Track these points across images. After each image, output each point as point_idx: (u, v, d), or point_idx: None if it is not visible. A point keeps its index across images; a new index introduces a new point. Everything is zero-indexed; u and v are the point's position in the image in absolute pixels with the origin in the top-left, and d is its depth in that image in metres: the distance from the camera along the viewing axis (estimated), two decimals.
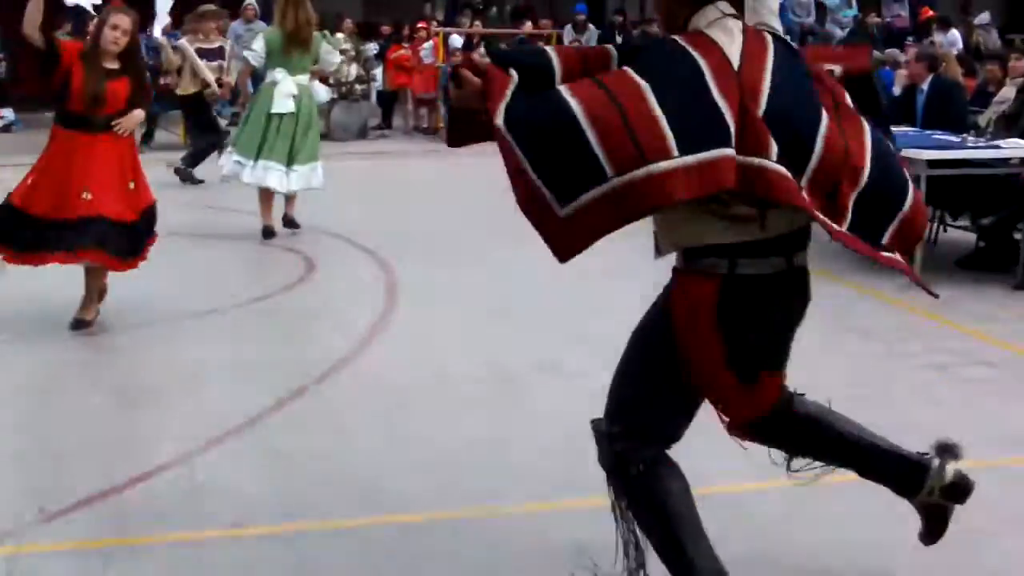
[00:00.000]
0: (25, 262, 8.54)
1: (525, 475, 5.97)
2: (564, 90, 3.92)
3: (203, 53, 16.64)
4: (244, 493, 5.73)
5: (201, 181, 15.95)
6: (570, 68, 4.27)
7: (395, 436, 6.55)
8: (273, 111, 12.03)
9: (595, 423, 4.59)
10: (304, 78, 12.30)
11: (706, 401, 4.38)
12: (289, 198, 12.45)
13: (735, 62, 3.98)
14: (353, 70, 22.48)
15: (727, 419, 4.47)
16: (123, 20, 8.49)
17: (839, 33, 25.68)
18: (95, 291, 8.77)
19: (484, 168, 16.20)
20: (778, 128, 3.92)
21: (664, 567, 4.34)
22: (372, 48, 25.20)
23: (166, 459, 6.14)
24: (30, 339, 8.40)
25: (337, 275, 10.79)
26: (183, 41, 16.58)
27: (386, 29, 25.33)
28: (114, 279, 8.83)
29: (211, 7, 16.40)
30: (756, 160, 3.87)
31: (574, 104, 3.82)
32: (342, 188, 14.83)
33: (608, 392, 4.57)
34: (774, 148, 3.89)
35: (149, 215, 8.83)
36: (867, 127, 4.24)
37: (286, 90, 12.07)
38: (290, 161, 12.12)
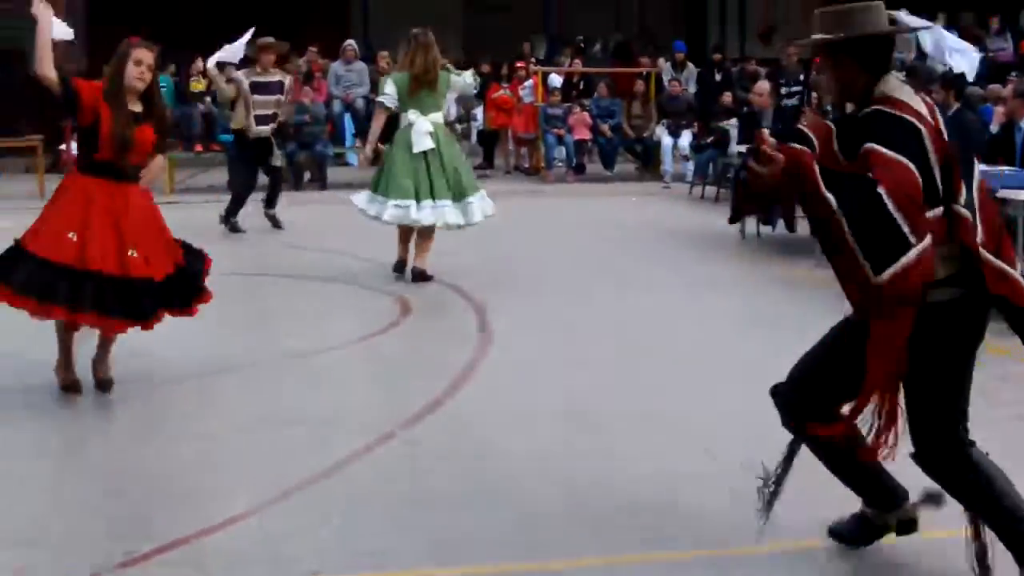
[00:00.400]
0: (51, 316, 7.79)
1: (604, 527, 5.87)
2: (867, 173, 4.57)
3: (260, 87, 15.92)
4: (325, 538, 5.70)
5: (243, 231, 15.78)
6: (820, 140, 4.92)
7: (482, 483, 6.47)
8: (415, 151, 12.17)
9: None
10: (438, 116, 12.42)
11: None
12: (422, 247, 12.42)
13: (930, 121, 4.73)
14: (453, 109, 22.48)
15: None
16: (147, 55, 7.95)
17: (940, 69, 25.40)
18: (110, 345, 8.24)
19: (583, 210, 16.33)
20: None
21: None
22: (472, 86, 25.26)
23: (251, 502, 6.12)
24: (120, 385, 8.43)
25: (431, 317, 10.78)
26: (239, 73, 16.17)
27: (485, 68, 25.36)
28: (203, 322, 8.79)
29: (271, 40, 16.16)
30: (957, 208, 4.69)
31: (882, 189, 4.47)
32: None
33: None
34: (963, 193, 4.71)
35: (191, 265, 8.24)
36: None
37: (422, 129, 12.21)
38: (458, 196, 12.29)
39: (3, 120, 21.92)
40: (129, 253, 7.75)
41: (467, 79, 12.89)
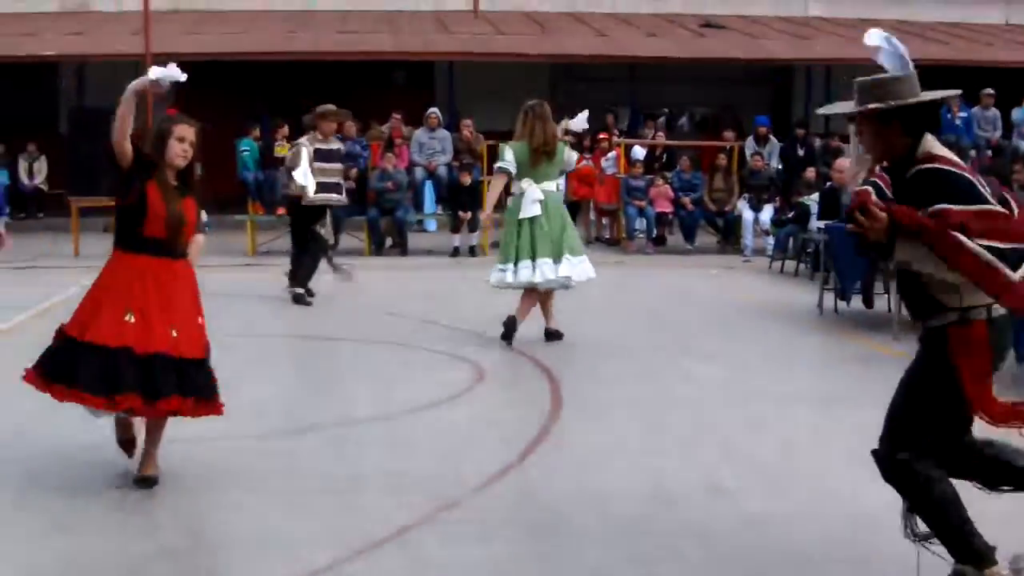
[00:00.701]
0: (122, 408, 7.39)
1: None
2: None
3: (322, 154, 15.80)
4: None
5: (309, 303, 15.36)
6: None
7: (547, 554, 6.48)
8: (521, 216, 12.61)
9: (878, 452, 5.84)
10: (550, 184, 12.86)
11: None
12: (547, 309, 12.97)
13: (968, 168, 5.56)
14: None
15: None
16: (189, 132, 7.63)
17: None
18: (159, 440, 7.69)
19: (663, 281, 16.34)
20: None
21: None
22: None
23: (316, 566, 6.16)
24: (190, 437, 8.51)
25: (505, 385, 10.81)
26: (302, 139, 15.97)
27: (569, 139, 25.45)
28: (278, 385, 8.88)
29: (331, 107, 16.16)
30: None
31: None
32: (515, 297, 14.90)
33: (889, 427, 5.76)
34: None
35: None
36: None
37: (532, 196, 12.65)
38: (557, 256, 12.68)
39: (83, 179, 22.21)
40: (172, 333, 7.39)
41: (572, 158, 13.64)
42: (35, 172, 27.40)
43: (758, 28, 31.54)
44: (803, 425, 9.41)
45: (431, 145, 24.11)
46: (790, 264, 19.88)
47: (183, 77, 7.88)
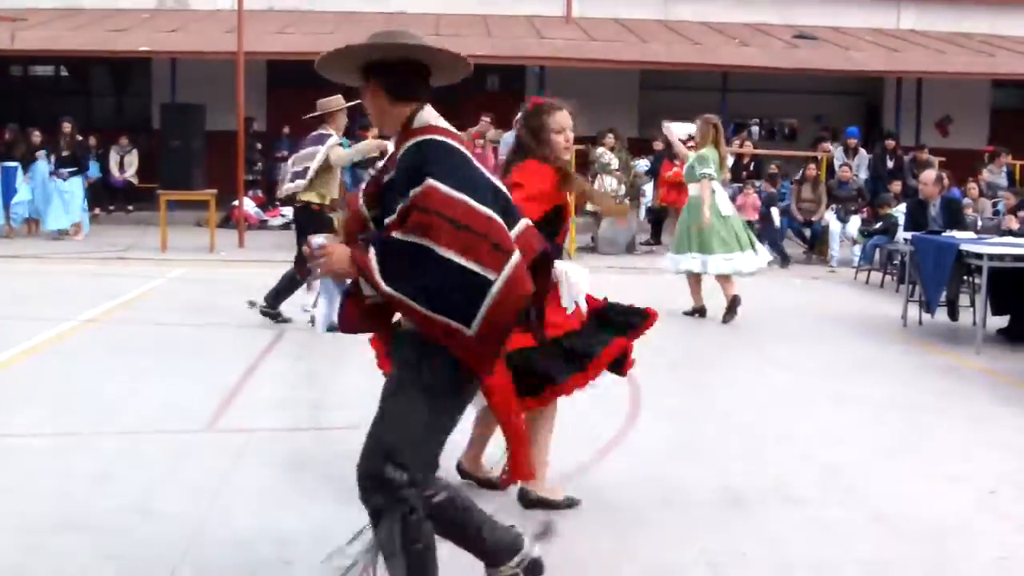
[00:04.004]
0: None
1: None
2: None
3: None
4: None
5: (288, 320, 13.72)
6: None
7: (619, 555, 6.49)
8: (724, 214, 15.11)
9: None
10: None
11: None
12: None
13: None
14: (613, 182, 22.50)
15: None
16: (568, 120, 7.22)
17: None
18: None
19: (747, 290, 16.22)
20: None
21: None
22: (644, 164, 25.34)
23: None
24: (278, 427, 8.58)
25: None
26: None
27: (658, 145, 25.37)
28: (369, 376, 8.90)
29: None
30: None
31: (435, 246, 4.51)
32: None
33: None
34: None
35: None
36: None
37: (725, 197, 15.57)
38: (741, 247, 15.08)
39: (173, 173, 22.44)
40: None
41: None
42: (126, 165, 27.68)
43: (850, 40, 31.35)
44: (881, 434, 9.37)
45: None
46: (876, 275, 19.78)
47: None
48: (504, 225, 4.62)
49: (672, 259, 15.53)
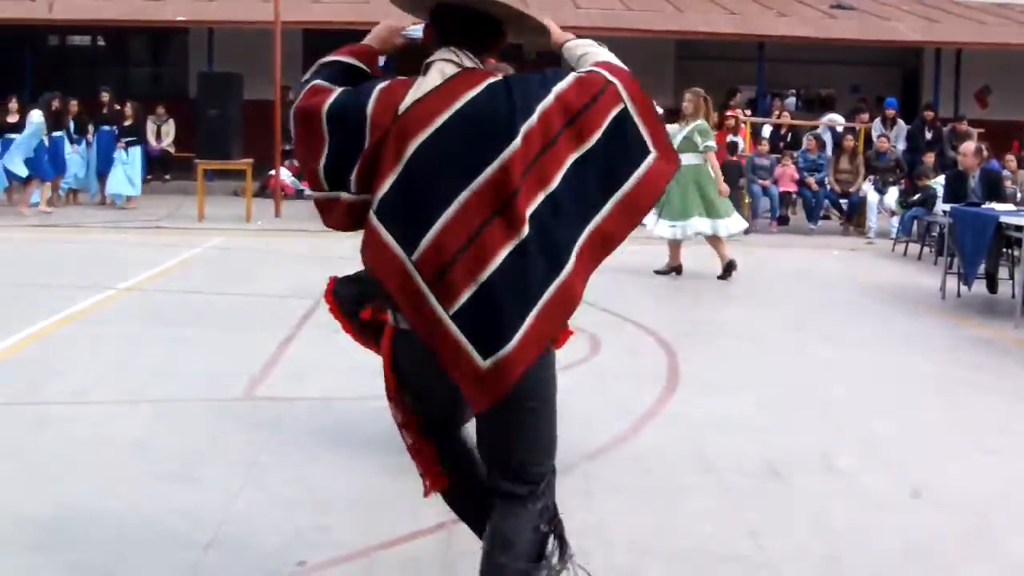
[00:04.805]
0: None
1: (786, 572, 5.84)
2: None
3: None
4: None
5: None
6: None
7: (659, 525, 6.48)
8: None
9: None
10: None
11: None
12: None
13: None
14: None
15: None
16: None
17: None
18: None
19: (784, 261, 16.25)
20: None
21: None
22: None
23: (427, 524, 6.21)
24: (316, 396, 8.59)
25: (621, 357, 10.79)
26: None
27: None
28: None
29: None
30: None
31: None
32: (632, 271, 14.92)
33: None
34: None
35: None
36: None
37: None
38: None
39: (210, 142, 22.48)
40: None
41: None
42: (163, 135, 27.73)
43: (888, 10, 31.17)
44: (920, 407, 9.35)
45: None
46: (914, 247, 19.69)
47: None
48: None
49: (668, 225, 15.76)
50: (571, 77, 4.19)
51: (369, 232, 4.14)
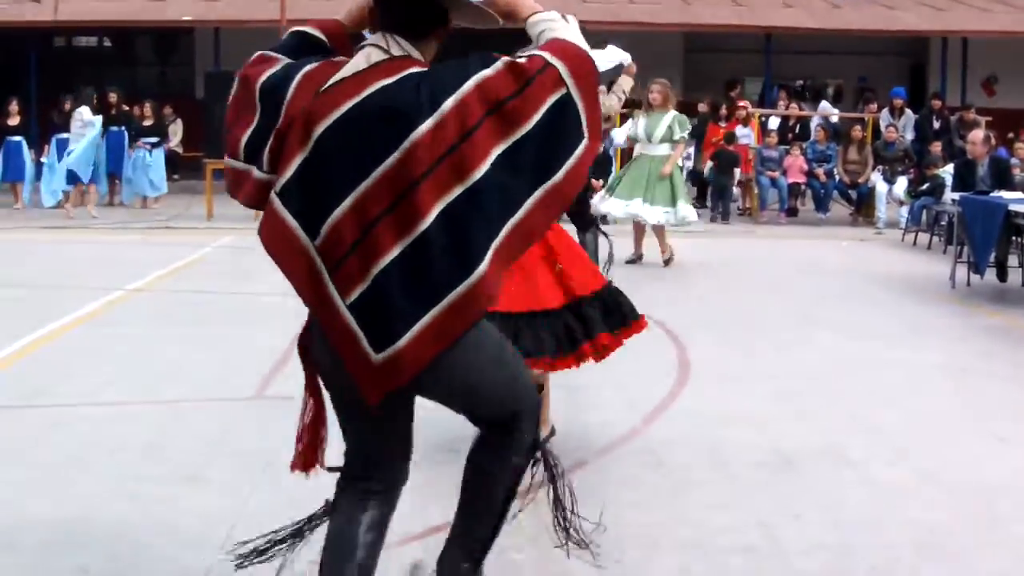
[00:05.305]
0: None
1: (790, 569, 5.85)
2: None
3: None
4: (511, 560, 5.76)
5: None
6: None
7: (671, 518, 6.47)
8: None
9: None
10: None
11: None
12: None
13: None
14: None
15: None
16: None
17: None
18: None
19: (793, 252, 16.24)
20: None
21: None
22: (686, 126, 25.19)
23: (439, 520, 6.20)
24: None
25: (631, 350, 10.75)
26: None
27: (703, 107, 25.26)
28: None
29: None
30: None
31: None
32: (644, 263, 14.93)
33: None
34: None
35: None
36: None
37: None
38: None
39: (218, 142, 22.49)
40: (556, 268, 7.08)
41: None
42: (171, 135, 27.76)
43: (894, 0, 31.14)
44: (930, 396, 9.34)
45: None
46: (923, 237, 19.67)
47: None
48: None
49: (623, 204, 16.28)
50: (500, 63, 4.04)
51: (270, 213, 4.08)
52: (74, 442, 7.66)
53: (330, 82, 4.07)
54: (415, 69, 4.07)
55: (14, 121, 23.21)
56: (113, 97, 24.90)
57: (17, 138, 23.37)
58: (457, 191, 3.94)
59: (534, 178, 4.03)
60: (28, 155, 23.71)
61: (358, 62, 4.12)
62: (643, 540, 6.09)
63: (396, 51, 4.13)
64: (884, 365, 10.32)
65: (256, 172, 4.15)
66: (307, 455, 4.77)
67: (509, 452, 4.53)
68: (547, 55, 4.07)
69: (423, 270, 3.94)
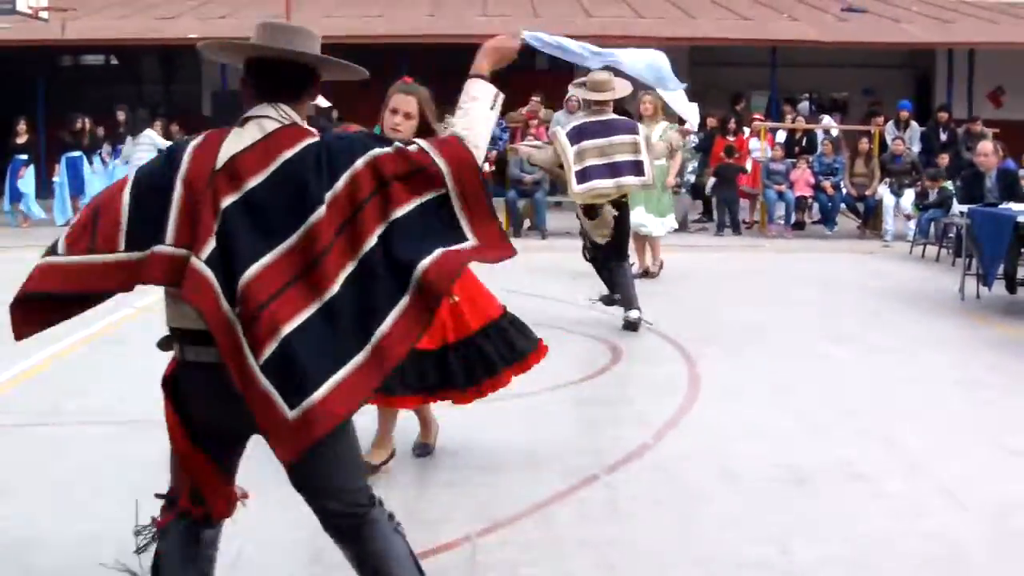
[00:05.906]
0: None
1: None
2: None
3: None
4: (526, 575, 5.75)
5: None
6: None
7: (683, 533, 6.47)
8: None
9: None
10: None
11: None
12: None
13: None
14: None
15: None
16: (403, 102, 6.97)
17: None
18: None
19: (801, 266, 16.21)
20: None
21: None
22: (692, 140, 25.19)
23: (451, 537, 6.21)
24: None
25: (642, 365, 10.79)
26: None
27: (712, 121, 25.18)
28: None
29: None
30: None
31: None
32: (654, 279, 14.93)
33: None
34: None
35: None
36: None
37: None
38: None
39: None
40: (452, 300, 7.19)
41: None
42: None
43: (900, 12, 31.14)
44: (942, 409, 9.31)
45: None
46: (931, 249, 19.64)
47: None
48: None
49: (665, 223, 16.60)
50: (393, 148, 4.22)
51: (193, 273, 4.10)
52: (85, 461, 7.66)
53: (228, 152, 4.18)
54: (311, 140, 4.21)
55: (22, 140, 23.21)
56: (121, 115, 24.91)
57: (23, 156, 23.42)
58: (352, 264, 4.11)
59: (402, 269, 4.13)
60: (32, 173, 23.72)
61: (252, 132, 4.24)
62: (656, 556, 6.08)
63: (285, 120, 4.28)
64: (895, 379, 10.30)
65: (163, 248, 4.17)
66: (226, 497, 4.90)
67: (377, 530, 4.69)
68: (434, 154, 4.24)
69: (330, 335, 4.05)
